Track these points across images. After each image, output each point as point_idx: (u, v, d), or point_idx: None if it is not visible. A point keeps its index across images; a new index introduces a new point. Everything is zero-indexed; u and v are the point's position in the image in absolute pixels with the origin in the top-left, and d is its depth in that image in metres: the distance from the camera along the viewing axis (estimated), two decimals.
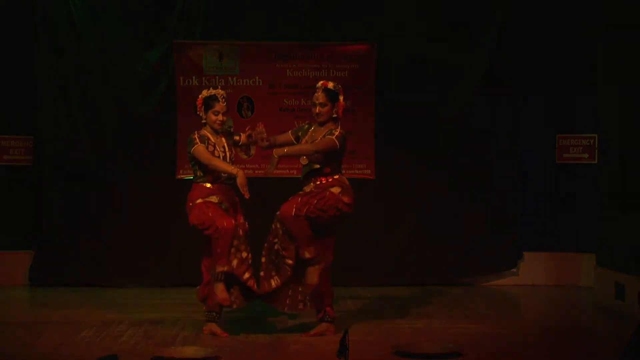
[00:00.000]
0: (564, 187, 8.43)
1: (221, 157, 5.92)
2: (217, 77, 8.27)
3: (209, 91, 6.01)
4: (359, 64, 8.32)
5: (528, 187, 8.44)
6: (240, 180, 5.71)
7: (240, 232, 5.86)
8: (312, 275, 5.82)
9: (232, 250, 5.80)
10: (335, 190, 5.89)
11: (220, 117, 5.95)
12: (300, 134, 6.15)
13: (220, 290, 5.82)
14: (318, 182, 5.91)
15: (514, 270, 8.53)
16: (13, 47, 8.22)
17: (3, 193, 8.28)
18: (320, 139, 5.93)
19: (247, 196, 5.74)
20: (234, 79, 8.30)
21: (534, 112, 8.44)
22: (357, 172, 8.24)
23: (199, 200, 5.88)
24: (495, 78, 8.31)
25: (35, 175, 8.22)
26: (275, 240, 5.89)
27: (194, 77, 8.25)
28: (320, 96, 5.99)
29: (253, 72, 8.31)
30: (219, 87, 6.20)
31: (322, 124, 6.02)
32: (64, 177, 8.20)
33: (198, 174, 5.96)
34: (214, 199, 5.90)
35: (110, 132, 8.24)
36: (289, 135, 6.18)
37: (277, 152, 5.86)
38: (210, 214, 5.80)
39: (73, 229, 8.21)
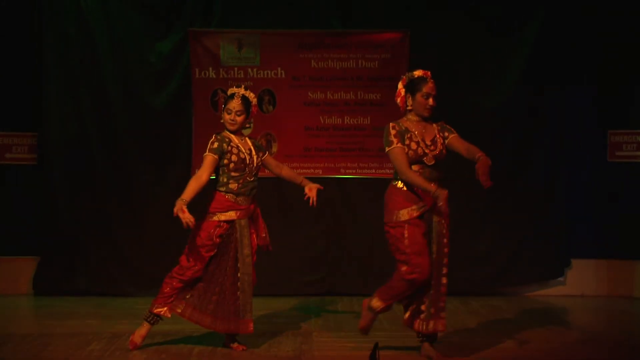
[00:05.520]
0: (616, 188, 8.37)
1: (247, 159, 5.87)
2: (235, 68, 8.30)
3: (232, 89, 5.98)
4: (391, 54, 8.31)
5: (576, 189, 8.40)
6: None
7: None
8: None
9: (180, 295, 5.91)
10: None
11: (233, 116, 5.88)
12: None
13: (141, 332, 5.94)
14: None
15: (561, 279, 8.53)
16: (18, 37, 8.28)
17: (5, 194, 8.35)
18: (453, 136, 5.75)
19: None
20: (254, 70, 8.31)
21: (583, 106, 8.39)
22: (388, 171, 8.18)
23: (213, 220, 5.83)
24: (539, 68, 8.28)
25: (40, 175, 8.28)
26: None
27: (210, 69, 8.27)
28: (434, 87, 5.76)
29: (275, 63, 8.33)
30: (243, 84, 6.11)
31: (427, 120, 5.79)
32: (71, 177, 8.26)
33: (222, 179, 5.89)
34: (232, 215, 5.84)
35: (121, 128, 8.28)
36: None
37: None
38: (201, 252, 5.81)
39: (80, 233, 8.25)
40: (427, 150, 5.60)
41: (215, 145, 5.81)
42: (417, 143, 5.59)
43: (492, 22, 8.31)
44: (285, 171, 6.20)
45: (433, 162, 5.62)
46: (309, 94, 8.37)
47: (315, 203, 5.93)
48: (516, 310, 7.65)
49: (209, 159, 5.78)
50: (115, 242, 8.29)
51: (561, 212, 8.37)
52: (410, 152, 5.57)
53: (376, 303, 5.65)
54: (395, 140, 5.57)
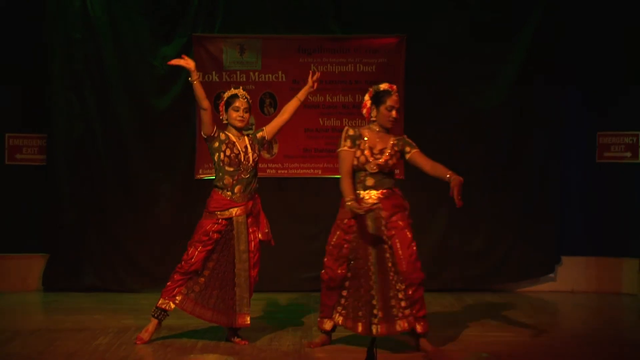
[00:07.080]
0: (605, 188, 8.37)
1: (241, 156, 5.97)
2: (238, 72, 8.32)
3: (230, 91, 6.09)
4: (388, 58, 8.33)
5: (567, 188, 8.41)
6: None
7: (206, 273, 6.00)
8: None
9: (182, 289, 5.99)
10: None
11: (241, 113, 6.00)
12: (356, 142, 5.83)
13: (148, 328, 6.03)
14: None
15: (552, 275, 8.53)
16: (25, 42, 8.28)
17: (15, 193, 8.35)
18: (415, 152, 5.84)
19: None
20: (256, 74, 8.35)
21: (573, 108, 8.39)
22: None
23: (212, 217, 5.96)
24: (532, 71, 8.29)
25: (49, 175, 8.29)
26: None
27: (213, 73, 8.31)
28: (398, 100, 5.83)
29: (276, 67, 8.35)
30: (240, 86, 6.24)
31: (388, 131, 5.87)
32: (79, 177, 8.27)
33: (218, 175, 6.00)
34: (230, 212, 5.94)
35: (127, 130, 8.29)
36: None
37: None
38: (198, 247, 5.94)
39: (88, 231, 8.28)
40: (370, 159, 5.72)
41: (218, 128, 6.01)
42: (363, 150, 5.73)
43: (487, 28, 8.30)
44: (287, 110, 6.31)
45: (376, 170, 5.74)
46: (309, 96, 8.36)
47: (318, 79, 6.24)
48: (509, 305, 7.65)
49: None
50: (120, 240, 8.30)
51: (552, 211, 8.37)
52: (355, 159, 5.74)
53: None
54: (344, 143, 5.78)
